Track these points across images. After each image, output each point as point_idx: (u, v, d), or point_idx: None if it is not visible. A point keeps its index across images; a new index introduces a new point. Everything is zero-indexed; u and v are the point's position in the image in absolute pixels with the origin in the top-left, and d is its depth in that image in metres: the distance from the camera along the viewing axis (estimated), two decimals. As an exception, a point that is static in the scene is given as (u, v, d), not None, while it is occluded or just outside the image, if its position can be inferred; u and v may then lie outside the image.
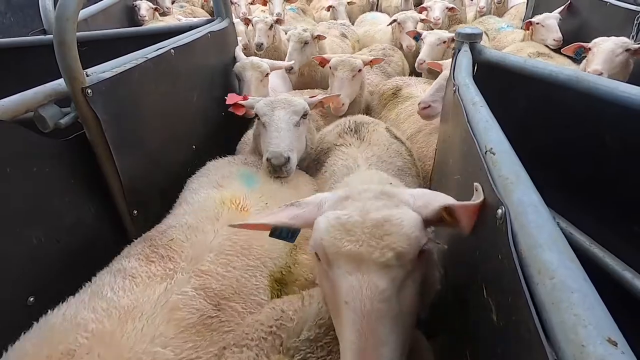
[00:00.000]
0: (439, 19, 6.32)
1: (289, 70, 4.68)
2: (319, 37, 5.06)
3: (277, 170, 2.48)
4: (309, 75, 5.05)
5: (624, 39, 3.67)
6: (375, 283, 1.11)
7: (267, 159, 2.47)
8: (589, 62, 3.75)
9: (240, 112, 3.01)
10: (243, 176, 2.48)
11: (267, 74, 4.04)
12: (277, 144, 2.51)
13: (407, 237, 1.15)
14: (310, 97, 3.04)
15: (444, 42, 4.84)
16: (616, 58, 3.59)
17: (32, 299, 1.72)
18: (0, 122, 1.63)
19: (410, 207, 1.28)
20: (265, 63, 4.05)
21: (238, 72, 3.94)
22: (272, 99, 2.80)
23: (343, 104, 3.79)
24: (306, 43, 4.87)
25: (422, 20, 6.03)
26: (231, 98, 3.03)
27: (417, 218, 1.22)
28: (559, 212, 2.06)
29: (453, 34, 4.67)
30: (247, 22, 5.66)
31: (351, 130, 2.99)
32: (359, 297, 1.10)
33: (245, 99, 3.01)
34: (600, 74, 3.43)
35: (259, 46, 5.33)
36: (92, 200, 2.11)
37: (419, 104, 3.17)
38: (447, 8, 6.47)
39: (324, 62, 4.21)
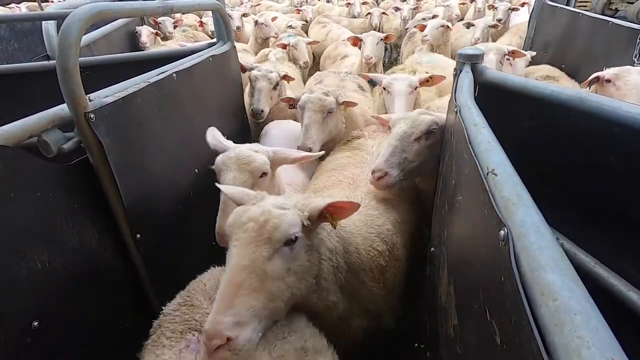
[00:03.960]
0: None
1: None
2: (347, 104, 3.44)
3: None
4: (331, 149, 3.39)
5: None
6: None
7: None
8: (618, 97, 3.05)
9: None
10: None
11: (264, 174, 2.45)
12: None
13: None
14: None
15: (416, 88, 3.76)
16: None
17: (36, 323, 1.71)
18: (4, 148, 1.64)
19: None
20: (261, 157, 2.45)
21: (216, 171, 2.52)
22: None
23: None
24: (330, 112, 3.32)
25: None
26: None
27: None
28: (563, 233, 2.05)
29: (417, 84, 3.86)
30: (243, 69, 4.27)
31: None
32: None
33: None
34: None
35: (258, 114, 3.97)
36: (95, 224, 2.11)
37: (373, 172, 2.58)
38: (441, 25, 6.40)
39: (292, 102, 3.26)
